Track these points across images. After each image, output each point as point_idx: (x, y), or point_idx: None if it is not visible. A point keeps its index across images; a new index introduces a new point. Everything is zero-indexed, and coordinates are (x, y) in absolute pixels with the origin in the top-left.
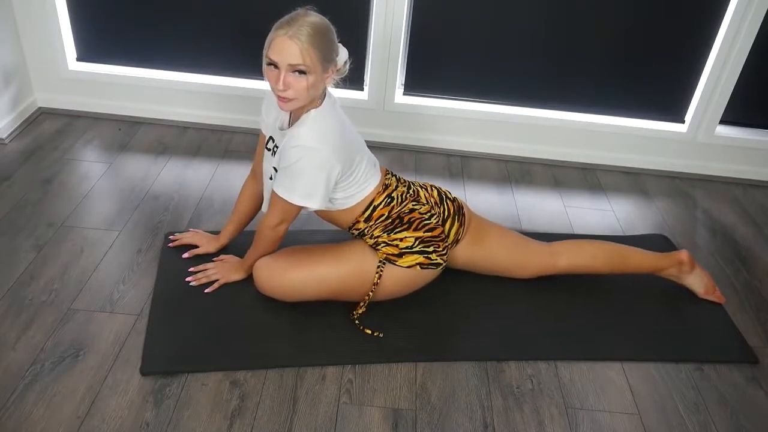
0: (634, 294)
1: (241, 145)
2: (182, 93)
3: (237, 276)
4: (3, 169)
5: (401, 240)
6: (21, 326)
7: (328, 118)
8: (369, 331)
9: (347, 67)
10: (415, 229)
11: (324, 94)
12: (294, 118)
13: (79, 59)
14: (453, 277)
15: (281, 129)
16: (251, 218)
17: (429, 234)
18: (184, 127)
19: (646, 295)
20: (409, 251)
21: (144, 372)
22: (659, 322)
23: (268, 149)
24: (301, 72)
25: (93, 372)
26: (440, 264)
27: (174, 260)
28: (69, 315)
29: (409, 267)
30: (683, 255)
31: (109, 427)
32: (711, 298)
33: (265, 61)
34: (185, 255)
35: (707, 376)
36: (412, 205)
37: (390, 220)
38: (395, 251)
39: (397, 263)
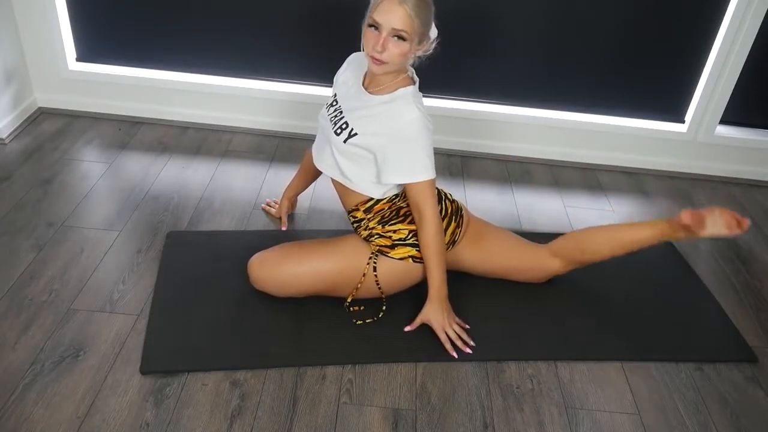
0: (634, 294)
1: (241, 145)
2: (182, 93)
3: (447, 310)
4: (3, 169)
5: (395, 232)
6: (21, 326)
7: (420, 97)
8: (364, 320)
9: (433, 46)
10: (410, 222)
11: (408, 71)
12: (374, 84)
13: (79, 59)
14: (452, 277)
15: (365, 89)
16: (316, 176)
17: None
18: (184, 127)
19: (646, 295)
20: (401, 243)
21: (144, 372)
22: (659, 322)
23: (331, 105)
24: (402, 38)
25: (93, 372)
26: None
27: (174, 260)
28: (69, 315)
29: (401, 259)
30: (684, 217)
31: (109, 427)
32: (740, 231)
33: (367, 22)
34: (284, 228)
35: (707, 376)
36: None
37: (388, 212)
38: (388, 242)
39: (389, 255)
